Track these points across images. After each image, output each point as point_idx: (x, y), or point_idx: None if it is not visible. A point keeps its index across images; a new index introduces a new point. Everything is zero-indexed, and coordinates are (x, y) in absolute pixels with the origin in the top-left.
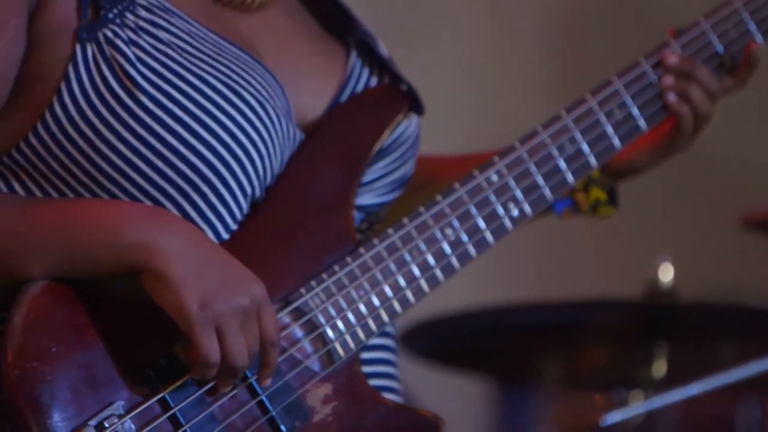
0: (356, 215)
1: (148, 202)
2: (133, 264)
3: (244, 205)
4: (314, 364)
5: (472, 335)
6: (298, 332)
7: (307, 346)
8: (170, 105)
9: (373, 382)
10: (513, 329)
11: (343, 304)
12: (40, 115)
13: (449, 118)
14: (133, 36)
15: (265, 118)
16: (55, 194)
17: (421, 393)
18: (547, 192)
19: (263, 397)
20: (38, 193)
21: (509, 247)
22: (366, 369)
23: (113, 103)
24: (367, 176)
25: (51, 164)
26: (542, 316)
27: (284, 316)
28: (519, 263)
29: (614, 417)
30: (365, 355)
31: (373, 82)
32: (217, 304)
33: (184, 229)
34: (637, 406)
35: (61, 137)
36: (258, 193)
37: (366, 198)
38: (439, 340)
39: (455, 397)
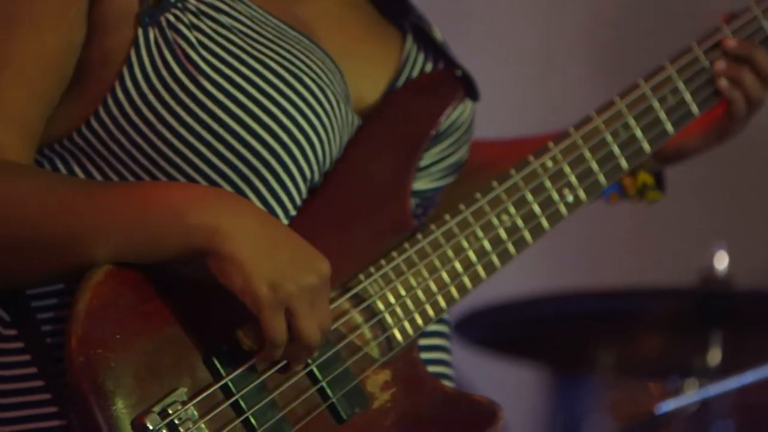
0: (411, 201)
1: (205, 185)
2: (200, 247)
3: (303, 189)
4: (373, 350)
5: (526, 323)
6: (358, 318)
7: (366, 332)
8: (231, 89)
9: (429, 368)
10: (567, 317)
11: (402, 291)
12: (101, 99)
13: (502, 104)
14: (194, 20)
15: (325, 103)
16: (115, 178)
17: (474, 381)
18: (602, 178)
19: (323, 384)
20: (98, 177)
21: (563, 233)
22: (422, 356)
23: (175, 87)
24: (423, 161)
25: (112, 148)
26: (597, 304)
27: (343, 302)
28: (573, 250)
29: (669, 405)
30: (421, 342)
31: (429, 67)
32: (287, 285)
33: (251, 211)
34: (691, 395)
35: (122, 121)
36: (317, 178)
37: (421, 183)
38: (493, 328)
39: (508, 385)
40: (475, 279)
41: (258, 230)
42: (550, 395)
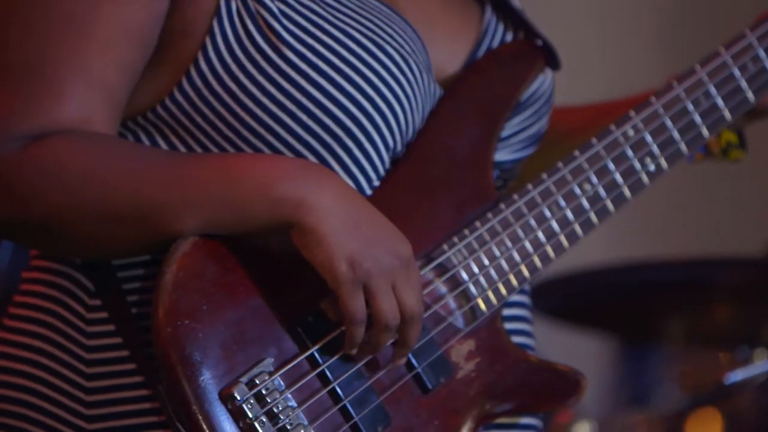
0: (493, 171)
1: (292, 157)
2: (285, 219)
3: (387, 159)
4: (458, 320)
5: (596, 293)
6: (442, 288)
7: (450, 302)
8: (314, 59)
9: (511, 338)
10: (637, 287)
11: (485, 261)
12: (184, 71)
13: (581, 73)
14: None
15: (408, 73)
16: (198, 149)
17: (543, 351)
18: (683, 147)
19: (409, 354)
20: (182, 149)
21: (634, 203)
22: (505, 326)
23: (258, 57)
24: (503, 132)
25: (195, 119)
26: (667, 273)
27: (427, 273)
28: (643, 220)
29: (738, 375)
30: (503, 312)
31: (509, 37)
32: (365, 263)
33: (337, 185)
34: (761, 365)
35: (205, 92)
36: (399, 148)
37: (501, 154)
38: (563, 298)
39: (577, 355)
40: (558, 248)
41: (343, 206)
42: (619, 366)
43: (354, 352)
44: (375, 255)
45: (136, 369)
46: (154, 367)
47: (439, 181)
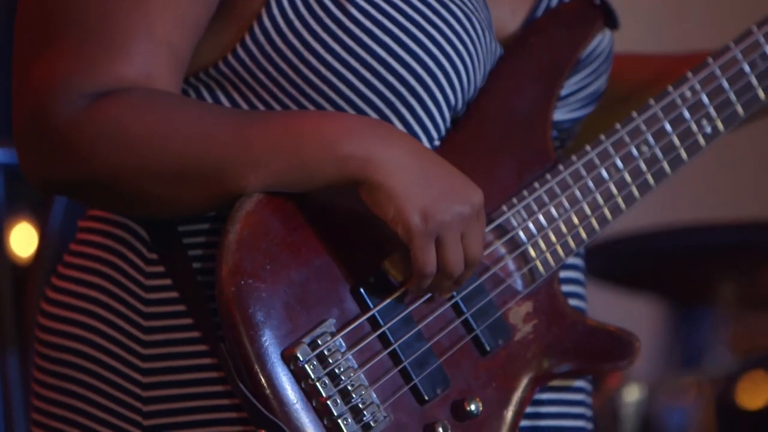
0: (552, 132)
1: (357, 114)
2: (353, 176)
3: (448, 117)
4: (516, 282)
5: (648, 256)
6: (501, 250)
7: (509, 264)
8: (378, 16)
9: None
10: (690, 250)
11: (544, 222)
12: (248, 27)
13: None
14: None
15: (471, 30)
16: (260, 106)
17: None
18: (740, 109)
19: (468, 316)
20: (244, 106)
21: (689, 165)
22: (561, 288)
23: (321, 14)
24: (562, 91)
25: (258, 76)
26: (719, 236)
27: (487, 234)
28: (696, 183)
29: None
30: (559, 274)
31: None
32: (438, 214)
33: (404, 140)
34: None
35: (269, 49)
36: (460, 106)
37: (559, 113)
38: (615, 261)
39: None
40: (616, 210)
41: (410, 160)
42: (670, 329)
43: (414, 308)
44: (447, 206)
45: (193, 324)
46: (214, 324)
47: (499, 141)
